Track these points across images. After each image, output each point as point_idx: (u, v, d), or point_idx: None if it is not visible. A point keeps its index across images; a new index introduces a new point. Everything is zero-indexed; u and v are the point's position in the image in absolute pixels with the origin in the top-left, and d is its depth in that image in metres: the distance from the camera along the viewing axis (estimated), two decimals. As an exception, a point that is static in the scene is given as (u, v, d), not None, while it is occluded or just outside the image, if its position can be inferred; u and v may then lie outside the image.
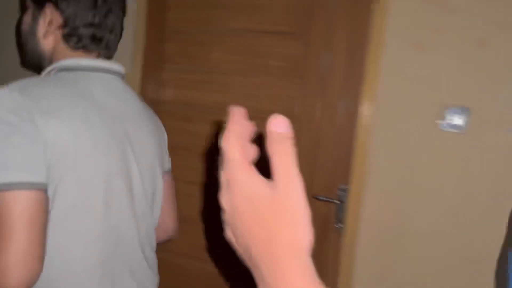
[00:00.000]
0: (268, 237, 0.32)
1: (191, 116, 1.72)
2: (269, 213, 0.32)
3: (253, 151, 0.35)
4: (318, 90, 1.54)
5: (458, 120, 1.31)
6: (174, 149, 1.76)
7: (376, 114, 1.39)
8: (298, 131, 1.56)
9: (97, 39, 0.91)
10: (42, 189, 0.71)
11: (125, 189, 0.86)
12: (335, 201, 1.50)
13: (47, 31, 0.91)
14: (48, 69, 0.89)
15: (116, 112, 0.87)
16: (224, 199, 0.35)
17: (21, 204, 0.68)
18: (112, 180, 0.83)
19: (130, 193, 0.88)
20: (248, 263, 0.35)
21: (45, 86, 0.78)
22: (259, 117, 1.60)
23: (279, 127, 0.32)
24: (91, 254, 0.80)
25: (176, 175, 1.76)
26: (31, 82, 0.78)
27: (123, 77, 0.96)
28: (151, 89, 1.74)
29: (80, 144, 0.77)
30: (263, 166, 0.36)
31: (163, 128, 1.08)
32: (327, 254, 1.52)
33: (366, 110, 1.41)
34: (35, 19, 0.93)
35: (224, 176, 0.35)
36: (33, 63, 0.97)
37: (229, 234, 0.37)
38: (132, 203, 0.88)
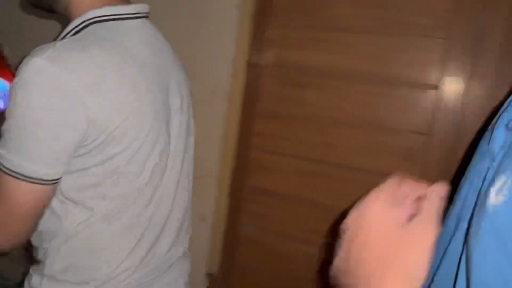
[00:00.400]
0: (386, 261, 0.35)
1: (301, 82, 1.45)
2: (394, 237, 0.35)
3: (405, 207, 0.37)
4: (468, 57, 1.27)
5: None
6: (277, 119, 1.52)
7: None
8: (436, 104, 1.32)
9: None
10: (48, 184, 0.70)
11: (164, 153, 0.83)
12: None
13: None
14: (77, 21, 0.76)
15: (157, 69, 0.81)
16: (350, 221, 0.39)
17: (25, 195, 0.69)
18: (158, 147, 0.80)
19: (166, 154, 0.84)
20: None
21: (86, 52, 0.68)
22: (388, 84, 1.37)
23: (442, 192, 0.37)
24: (139, 216, 0.81)
25: (279, 148, 1.55)
26: (69, 49, 0.67)
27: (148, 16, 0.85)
28: (250, 47, 1.45)
29: (128, 116, 0.72)
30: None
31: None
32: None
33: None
34: None
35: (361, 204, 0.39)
36: (40, 4, 0.83)
37: (337, 266, 0.41)
38: (171, 167, 0.86)
